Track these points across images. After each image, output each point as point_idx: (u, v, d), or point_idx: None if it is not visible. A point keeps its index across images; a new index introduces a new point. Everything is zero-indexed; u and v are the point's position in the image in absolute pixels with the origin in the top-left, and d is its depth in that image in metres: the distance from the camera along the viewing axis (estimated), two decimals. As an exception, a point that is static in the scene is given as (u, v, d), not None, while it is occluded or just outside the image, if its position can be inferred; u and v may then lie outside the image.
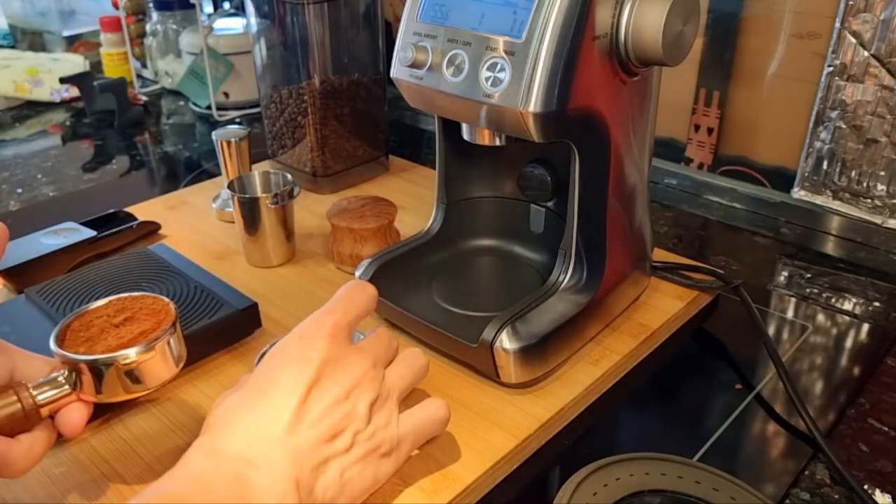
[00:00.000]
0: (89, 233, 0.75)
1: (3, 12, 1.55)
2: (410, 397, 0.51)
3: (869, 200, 0.79)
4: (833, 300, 0.71)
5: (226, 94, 1.22)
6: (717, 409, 0.58)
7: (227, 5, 1.40)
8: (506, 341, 0.54)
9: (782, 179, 0.86)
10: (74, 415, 0.43)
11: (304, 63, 0.85)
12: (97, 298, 0.63)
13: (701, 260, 0.75)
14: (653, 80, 0.59)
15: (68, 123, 1.23)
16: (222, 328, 0.61)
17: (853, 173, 0.80)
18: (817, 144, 0.81)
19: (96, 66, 1.40)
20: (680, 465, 0.51)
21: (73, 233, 0.75)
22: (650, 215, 0.67)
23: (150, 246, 0.72)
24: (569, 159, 0.56)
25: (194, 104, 1.26)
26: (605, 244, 0.60)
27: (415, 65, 0.55)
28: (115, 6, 1.36)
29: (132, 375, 0.43)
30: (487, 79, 0.52)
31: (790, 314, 0.70)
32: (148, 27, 1.35)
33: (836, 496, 0.50)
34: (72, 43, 1.49)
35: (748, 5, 0.82)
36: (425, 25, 0.55)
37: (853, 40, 0.75)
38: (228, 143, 0.79)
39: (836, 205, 0.82)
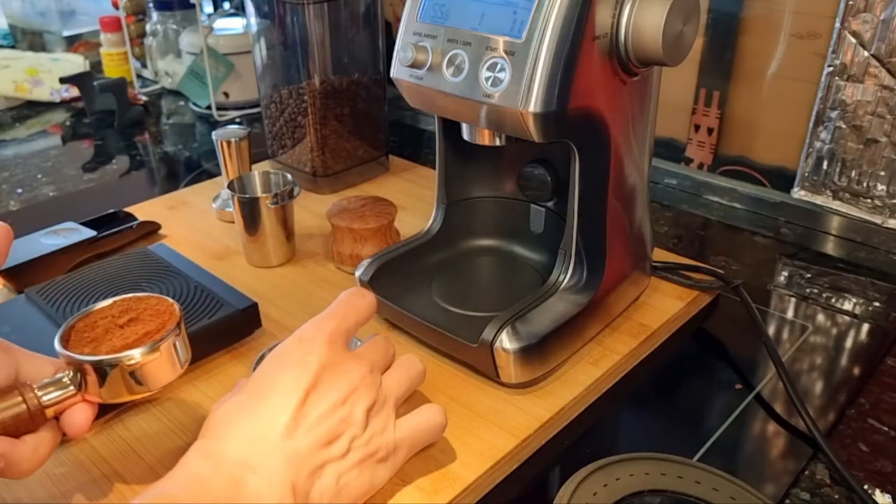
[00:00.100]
0: (89, 233, 0.75)
1: (3, 12, 1.55)
2: (408, 401, 0.51)
3: (869, 200, 0.79)
4: (833, 300, 0.71)
5: (226, 94, 1.22)
6: (717, 409, 0.58)
7: (227, 5, 1.40)
8: (506, 341, 0.54)
9: (782, 179, 0.86)
10: (79, 416, 0.43)
11: (304, 63, 0.85)
12: (97, 298, 0.63)
13: (701, 260, 0.75)
14: (653, 80, 0.60)
15: (68, 123, 1.23)
16: (222, 328, 0.61)
17: (853, 173, 0.80)
18: (817, 144, 0.81)
19: (96, 66, 1.41)
20: (680, 465, 0.51)
21: (73, 233, 0.75)
22: (650, 215, 0.67)
23: (150, 246, 0.72)
24: (569, 159, 0.56)
25: (194, 104, 1.26)
26: (605, 244, 0.60)
27: (415, 65, 0.55)
28: (115, 6, 1.36)
29: (137, 376, 0.43)
30: (487, 79, 0.52)
31: (790, 314, 0.70)
32: (148, 27, 1.35)
33: (836, 496, 0.50)
34: (72, 43, 1.49)
35: (748, 5, 0.82)
36: (425, 25, 0.55)
37: (853, 40, 0.75)
38: (228, 143, 0.79)
39: (836, 205, 0.82)
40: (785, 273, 0.76)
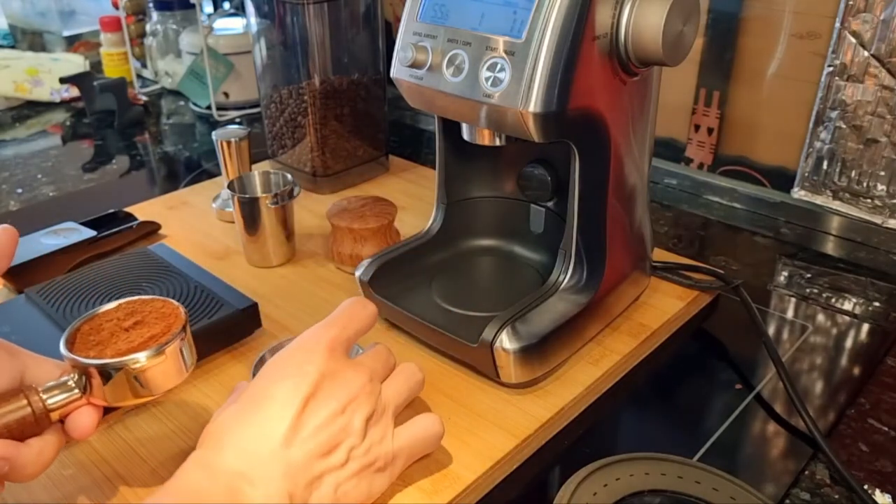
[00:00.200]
0: (89, 233, 0.75)
1: (3, 12, 1.55)
2: (407, 407, 0.51)
3: (869, 200, 0.79)
4: (833, 300, 0.71)
5: (226, 94, 1.22)
6: (717, 409, 0.58)
7: (227, 5, 1.40)
8: (506, 341, 0.54)
9: (782, 179, 0.86)
10: (84, 419, 0.43)
11: (304, 63, 0.85)
12: (97, 298, 0.63)
13: (701, 260, 0.75)
14: (653, 80, 0.59)
15: (68, 123, 1.23)
16: (222, 328, 0.61)
17: (853, 173, 0.80)
18: (817, 144, 0.81)
19: (96, 66, 1.40)
20: (680, 465, 0.51)
21: (73, 233, 0.75)
22: (650, 215, 0.67)
23: (150, 246, 0.72)
24: (569, 159, 0.56)
25: (194, 104, 1.26)
26: (605, 244, 0.60)
27: (415, 65, 0.55)
28: (115, 6, 1.36)
29: (142, 380, 0.43)
30: (487, 79, 0.52)
31: (790, 314, 0.70)
32: (148, 27, 1.35)
33: (836, 496, 0.50)
34: (72, 43, 1.49)
35: (748, 5, 0.82)
36: (425, 25, 0.55)
37: (853, 40, 0.75)
38: (228, 143, 0.79)
39: (836, 205, 0.82)
40: (785, 273, 0.76)
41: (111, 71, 1.38)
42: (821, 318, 0.69)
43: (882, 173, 0.78)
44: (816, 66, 0.79)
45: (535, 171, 0.65)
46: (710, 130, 0.90)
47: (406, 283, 0.65)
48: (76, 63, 1.34)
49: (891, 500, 0.50)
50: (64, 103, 1.29)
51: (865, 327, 0.68)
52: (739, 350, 0.65)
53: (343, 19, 0.86)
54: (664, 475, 0.50)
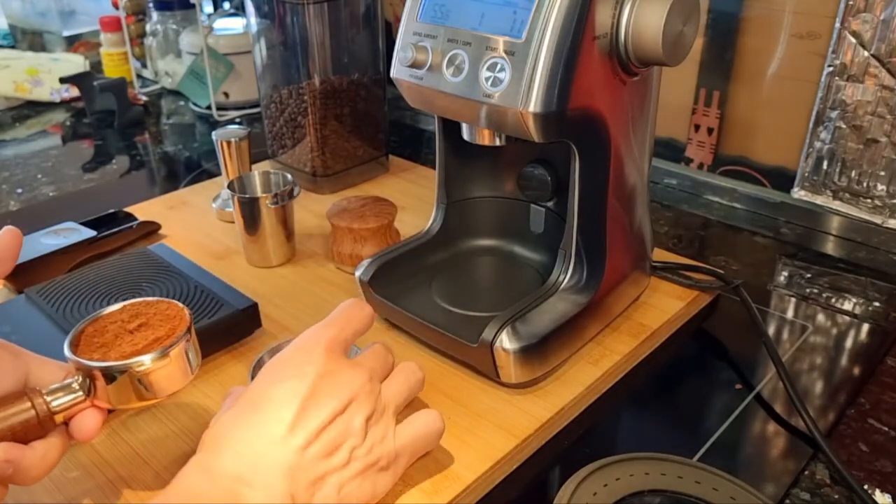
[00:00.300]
0: (89, 233, 0.75)
1: (3, 12, 1.55)
2: (407, 407, 0.51)
3: (869, 200, 0.80)
4: (833, 300, 0.71)
5: (226, 94, 1.22)
6: (717, 409, 0.58)
7: (227, 5, 1.40)
8: (506, 341, 0.54)
9: (782, 179, 0.86)
10: (88, 421, 0.43)
11: (304, 63, 0.85)
12: (97, 298, 0.63)
13: (701, 260, 0.75)
14: (653, 80, 0.59)
15: (68, 123, 1.23)
16: (222, 328, 0.61)
17: (853, 173, 0.80)
18: (817, 144, 0.81)
19: (96, 66, 1.40)
20: (680, 465, 0.51)
21: (73, 233, 0.75)
22: (650, 215, 0.67)
23: (150, 246, 0.72)
24: (569, 159, 0.56)
25: (194, 104, 1.26)
26: (605, 244, 0.60)
27: (415, 65, 0.55)
28: (115, 6, 1.36)
29: (146, 382, 0.43)
30: (487, 79, 0.52)
31: (790, 314, 0.70)
32: (148, 27, 1.35)
33: (836, 496, 0.50)
34: (72, 43, 1.49)
35: (748, 5, 0.82)
36: (425, 25, 0.55)
37: (853, 40, 0.75)
38: (228, 143, 0.79)
39: (836, 205, 0.82)
40: (785, 273, 0.76)
41: (111, 71, 1.38)
42: (821, 318, 0.69)
43: (882, 173, 0.78)
44: (816, 66, 0.79)
45: (535, 171, 0.65)
46: (710, 130, 0.90)
47: (406, 283, 0.65)
48: (76, 63, 1.34)
49: (891, 500, 0.50)
50: (64, 103, 1.29)
51: (865, 327, 0.68)
52: (739, 350, 0.65)
53: (343, 19, 0.86)
54: (664, 475, 0.50)
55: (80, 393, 0.42)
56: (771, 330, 0.67)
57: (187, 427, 0.54)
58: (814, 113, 0.80)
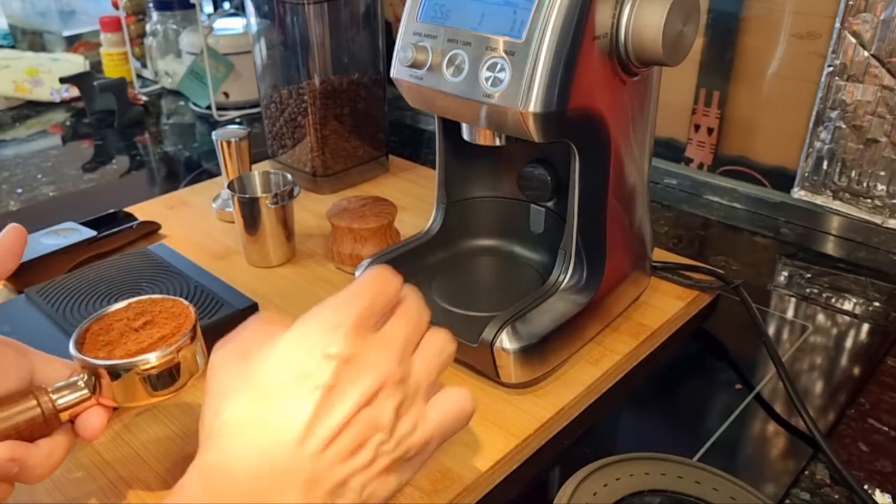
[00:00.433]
0: (89, 233, 0.75)
1: (3, 12, 1.55)
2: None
3: (869, 200, 0.80)
4: (833, 300, 0.71)
5: (226, 94, 1.22)
6: (717, 409, 0.58)
7: (227, 5, 1.40)
8: (506, 341, 0.54)
9: (782, 179, 0.86)
10: (94, 419, 0.43)
11: (304, 63, 0.85)
12: (97, 298, 0.63)
13: (701, 260, 0.75)
14: (653, 80, 0.59)
15: (68, 123, 1.23)
16: (222, 328, 0.60)
17: (853, 173, 0.80)
18: (817, 144, 0.81)
19: (96, 66, 1.40)
20: (680, 465, 0.51)
21: (73, 233, 0.75)
22: (650, 215, 0.67)
23: (150, 246, 0.72)
24: (569, 159, 0.56)
25: (194, 104, 1.26)
26: (605, 244, 0.60)
27: (415, 65, 0.55)
28: (115, 6, 1.36)
29: (152, 381, 0.43)
30: (487, 79, 0.52)
31: (790, 314, 0.70)
32: (148, 27, 1.35)
33: (836, 496, 0.50)
34: (72, 43, 1.49)
35: (748, 5, 0.82)
36: (425, 25, 0.55)
37: (853, 40, 0.75)
38: (228, 143, 0.79)
39: (836, 205, 0.82)
40: (785, 273, 0.76)
41: (111, 71, 1.38)
42: (821, 318, 0.69)
43: (882, 173, 0.78)
44: (816, 66, 0.79)
45: (535, 171, 0.65)
46: (710, 130, 0.90)
47: (406, 283, 0.65)
48: (76, 63, 1.34)
49: (891, 500, 0.50)
50: (64, 103, 1.29)
51: (865, 327, 0.68)
52: (739, 350, 0.65)
53: (343, 19, 0.86)
54: (664, 475, 0.50)
55: (86, 391, 0.42)
56: (771, 330, 0.67)
57: (190, 428, 0.54)
58: (814, 113, 0.80)
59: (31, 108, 1.28)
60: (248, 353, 0.39)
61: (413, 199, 0.88)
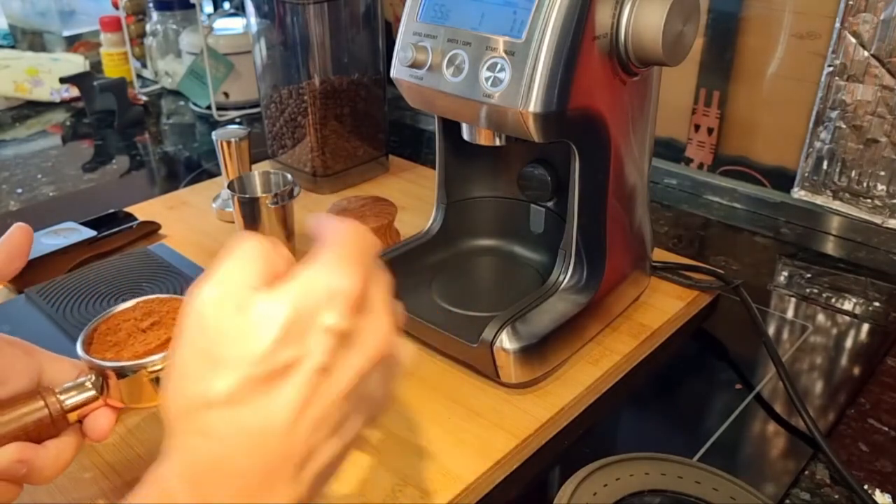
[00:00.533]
0: (89, 233, 0.75)
1: (3, 12, 1.55)
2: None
3: (869, 200, 0.79)
4: (833, 300, 0.71)
5: (226, 94, 1.22)
6: (717, 409, 0.58)
7: (227, 5, 1.40)
8: (506, 341, 0.54)
9: (782, 179, 0.86)
10: (102, 420, 0.42)
11: (304, 63, 0.85)
12: (97, 298, 0.63)
13: (701, 260, 0.75)
14: (653, 80, 0.59)
15: (68, 123, 1.23)
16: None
17: (853, 173, 0.80)
18: (817, 144, 0.81)
19: (96, 66, 1.40)
20: (680, 465, 0.51)
21: (73, 233, 0.75)
22: (650, 215, 0.67)
23: (150, 246, 0.73)
24: (569, 159, 0.56)
25: (194, 104, 1.26)
26: (605, 244, 0.60)
27: (415, 65, 0.55)
28: (115, 6, 1.36)
29: (160, 382, 0.43)
30: (487, 79, 0.52)
31: (790, 314, 0.70)
32: (148, 27, 1.35)
33: (836, 496, 0.50)
34: (72, 43, 1.49)
35: (748, 5, 0.82)
36: (425, 25, 0.55)
37: (853, 40, 0.75)
38: (228, 143, 0.79)
39: (836, 205, 0.82)
40: (785, 273, 0.76)
41: (111, 71, 1.38)
42: (821, 318, 0.69)
43: (882, 173, 0.78)
44: (816, 66, 0.79)
45: (535, 171, 0.65)
46: (710, 130, 0.90)
47: (406, 283, 0.65)
48: (76, 63, 1.34)
49: (891, 500, 0.50)
50: (64, 103, 1.29)
51: (865, 327, 0.68)
52: (739, 350, 0.65)
53: (343, 19, 0.86)
54: (664, 475, 0.50)
55: (94, 392, 0.42)
56: (771, 330, 0.67)
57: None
58: (814, 113, 0.80)
59: (31, 108, 1.28)
60: (245, 307, 0.33)
61: (413, 199, 0.88)
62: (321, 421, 0.33)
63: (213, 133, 0.80)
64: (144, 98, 1.29)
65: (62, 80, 1.20)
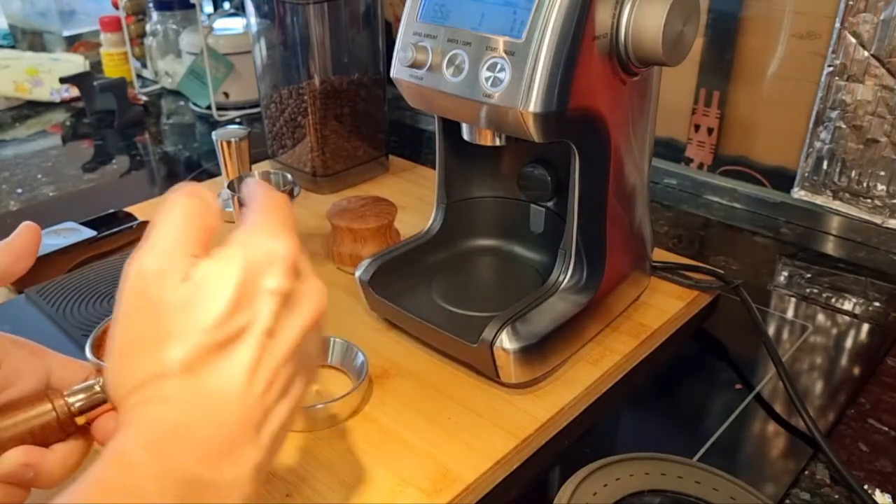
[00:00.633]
0: (89, 233, 0.75)
1: (3, 12, 1.55)
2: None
3: (869, 200, 0.79)
4: (833, 300, 0.71)
5: (226, 94, 1.22)
6: (717, 409, 0.58)
7: (227, 5, 1.40)
8: (506, 341, 0.54)
9: (782, 179, 0.86)
10: (111, 423, 0.41)
11: (304, 63, 0.85)
12: (97, 298, 0.63)
13: (701, 260, 0.75)
14: (653, 80, 0.59)
15: (68, 123, 1.23)
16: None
17: (853, 173, 0.80)
18: (817, 144, 0.81)
19: (96, 66, 1.40)
20: (680, 465, 0.51)
21: (73, 233, 0.75)
22: (650, 215, 0.67)
23: (150, 246, 0.72)
24: (569, 159, 0.56)
25: (194, 104, 1.26)
26: (605, 244, 0.60)
27: (415, 65, 0.55)
28: (115, 6, 1.36)
29: None
30: (487, 79, 0.52)
31: (790, 314, 0.70)
32: (148, 27, 1.35)
33: (836, 496, 0.50)
34: (72, 43, 1.49)
35: (748, 5, 0.82)
36: (425, 25, 0.55)
37: (853, 40, 0.75)
38: (228, 143, 0.79)
39: (836, 205, 0.82)
40: (785, 273, 0.76)
41: (111, 71, 1.38)
42: (821, 318, 0.69)
43: (882, 173, 0.78)
44: (816, 66, 0.79)
45: (535, 171, 0.65)
46: (710, 130, 0.90)
47: (406, 283, 0.65)
48: (76, 63, 1.34)
49: (891, 500, 0.50)
50: (64, 103, 1.29)
51: (865, 327, 0.68)
52: (739, 350, 0.65)
53: (343, 19, 0.86)
54: (664, 475, 0.50)
55: (102, 395, 0.42)
56: (771, 330, 0.67)
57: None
58: (814, 113, 0.80)
59: (31, 108, 1.28)
60: (190, 276, 0.33)
61: (413, 199, 0.88)
62: (272, 382, 0.33)
63: (213, 133, 0.80)
64: (144, 98, 1.29)
65: (62, 80, 1.20)
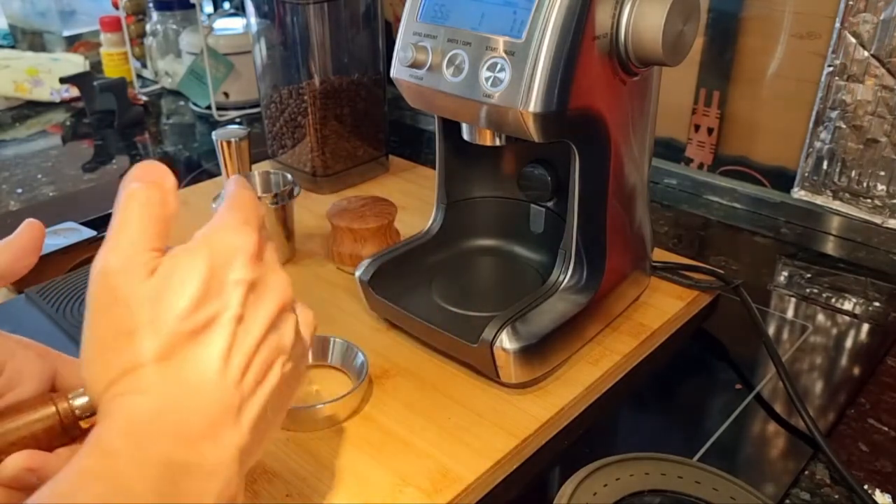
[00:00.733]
0: (89, 233, 0.75)
1: (3, 12, 1.55)
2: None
3: (869, 200, 0.80)
4: (833, 300, 0.71)
5: (226, 94, 1.22)
6: (717, 409, 0.58)
7: (227, 5, 1.40)
8: (506, 341, 0.54)
9: (782, 179, 0.86)
10: None
11: (304, 63, 0.85)
12: (97, 298, 0.63)
13: (701, 260, 0.75)
14: (653, 80, 0.59)
15: (68, 123, 1.23)
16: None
17: (853, 173, 0.80)
18: (817, 144, 0.81)
19: (96, 66, 1.40)
20: (680, 465, 0.51)
21: (73, 233, 0.75)
22: (650, 215, 0.67)
23: (150, 246, 0.72)
24: (569, 159, 0.56)
25: (194, 104, 1.26)
26: (605, 244, 0.60)
27: (415, 65, 0.55)
28: (115, 6, 1.36)
29: None
30: (487, 79, 0.52)
31: (790, 314, 0.70)
32: (148, 27, 1.35)
33: (836, 496, 0.50)
34: (72, 43, 1.49)
35: (748, 5, 0.82)
36: (425, 25, 0.55)
37: (853, 40, 0.75)
38: (228, 143, 0.79)
39: (836, 205, 0.82)
40: (785, 273, 0.76)
41: (111, 71, 1.38)
42: (821, 318, 0.69)
43: (882, 173, 0.78)
44: (816, 66, 0.79)
45: (535, 171, 0.65)
46: (710, 130, 0.90)
47: (406, 283, 0.65)
48: (76, 63, 1.34)
49: (891, 500, 0.50)
50: (64, 103, 1.29)
51: (865, 327, 0.68)
52: (739, 350, 0.65)
53: (343, 19, 0.86)
54: (664, 475, 0.50)
55: None
56: (771, 330, 0.67)
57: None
58: (814, 113, 0.80)
59: (31, 108, 1.28)
60: (156, 270, 0.35)
61: (413, 199, 0.88)
62: (247, 367, 0.34)
63: (213, 133, 0.80)
64: (144, 98, 1.29)
65: (62, 80, 1.20)
